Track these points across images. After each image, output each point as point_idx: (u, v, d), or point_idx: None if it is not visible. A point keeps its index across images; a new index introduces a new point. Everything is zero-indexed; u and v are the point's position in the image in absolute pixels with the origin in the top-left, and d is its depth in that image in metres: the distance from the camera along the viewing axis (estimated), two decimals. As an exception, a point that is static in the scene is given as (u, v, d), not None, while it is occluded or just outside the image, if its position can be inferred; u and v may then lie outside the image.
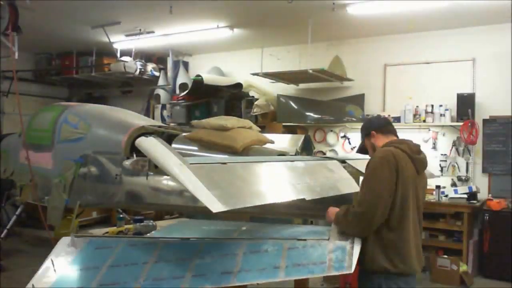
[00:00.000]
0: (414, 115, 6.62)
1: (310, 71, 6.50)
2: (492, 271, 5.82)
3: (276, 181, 2.59)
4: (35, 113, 5.46)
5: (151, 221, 4.16)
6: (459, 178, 6.46)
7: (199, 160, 2.57)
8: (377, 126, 2.72)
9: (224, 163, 2.41)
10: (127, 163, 3.80)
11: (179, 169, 2.15)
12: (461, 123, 6.27)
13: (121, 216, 4.34)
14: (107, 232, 3.87)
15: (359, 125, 7.69)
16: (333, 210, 2.55)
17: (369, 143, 2.73)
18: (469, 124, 6.21)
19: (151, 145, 2.38)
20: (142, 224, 4.01)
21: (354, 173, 3.02)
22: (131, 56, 8.29)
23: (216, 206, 1.97)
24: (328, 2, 5.62)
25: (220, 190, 2.09)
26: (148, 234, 3.23)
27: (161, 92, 8.71)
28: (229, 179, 2.28)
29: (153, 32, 7.42)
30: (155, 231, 3.34)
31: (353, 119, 6.98)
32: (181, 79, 8.55)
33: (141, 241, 2.80)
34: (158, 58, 9.08)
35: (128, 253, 2.60)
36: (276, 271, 2.28)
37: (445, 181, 6.40)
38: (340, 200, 2.98)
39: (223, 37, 7.37)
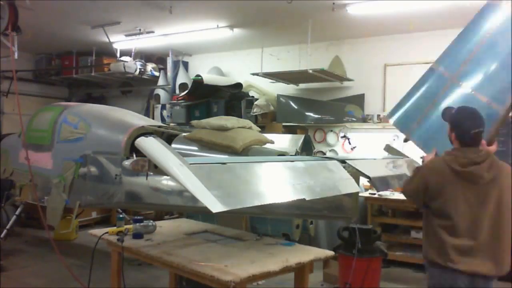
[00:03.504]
0: (414, 115, 6.61)
1: (310, 71, 6.49)
2: (492, 271, 5.80)
3: (276, 181, 2.59)
4: (35, 113, 5.46)
5: (151, 221, 4.15)
6: (459, 178, 6.45)
7: (199, 160, 2.58)
8: None
9: (224, 163, 2.41)
10: (126, 163, 3.81)
11: (179, 169, 2.15)
12: (461, 123, 6.25)
13: (121, 216, 4.33)
14: (106, 232, 3.86)
15: (359, 125, 7.58)
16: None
17: None
18: (469, 124, 6.20)
19: (151, 145, 2.38)
20: (142, 224, 4.00)
21: (354, 173, 3.01)
22: (131, 56, 8.29)
23: (216, 206, 1.98)
24: (328, 2, 5.61)
25: (220, 190, 2.09)
26: None
27: (161, 92, 8.71)
28: (229, 179, 2.28)
29: (153, 32, 7.42)
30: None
31: (353, 119, 6.97)
32: (181, 79, 8.55)
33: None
34: (158, 58, 9.08)
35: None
36: None
37: (445, 181, 6.39)
38: (340, 201, 2.98)
39: (223, 37, 7.36)
